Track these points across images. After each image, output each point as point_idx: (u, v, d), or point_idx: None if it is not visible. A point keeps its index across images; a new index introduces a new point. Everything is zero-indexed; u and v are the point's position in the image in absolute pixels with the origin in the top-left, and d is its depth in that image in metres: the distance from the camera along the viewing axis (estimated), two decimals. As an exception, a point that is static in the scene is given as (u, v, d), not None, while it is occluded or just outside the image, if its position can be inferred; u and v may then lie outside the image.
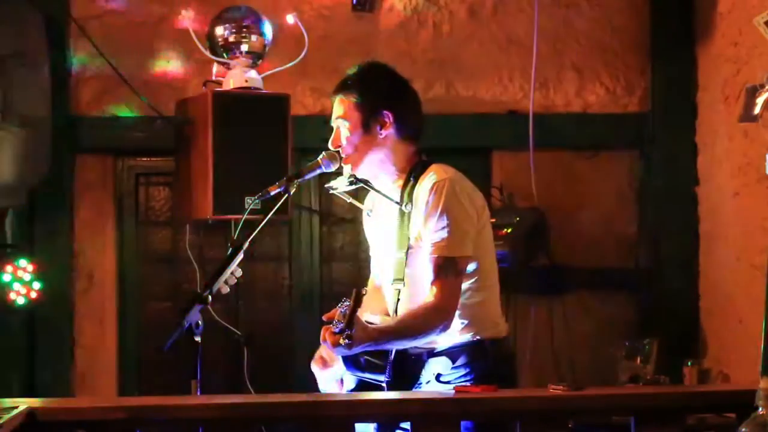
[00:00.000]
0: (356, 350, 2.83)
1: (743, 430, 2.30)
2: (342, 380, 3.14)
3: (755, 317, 3.25)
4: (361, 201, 3.25)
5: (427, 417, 2.67)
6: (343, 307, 2.75)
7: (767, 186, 3.88)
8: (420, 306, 2.94)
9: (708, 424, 3.56)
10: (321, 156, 3.08)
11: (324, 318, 2.86)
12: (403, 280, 2.99)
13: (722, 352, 4.38)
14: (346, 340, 2.69)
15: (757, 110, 2.54)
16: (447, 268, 2.91)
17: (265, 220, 3.01)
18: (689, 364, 4.34)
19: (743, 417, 2.38)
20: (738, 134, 4.16)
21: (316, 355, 3.17)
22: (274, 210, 3.03)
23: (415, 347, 3.00)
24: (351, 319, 2.69)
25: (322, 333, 2.81)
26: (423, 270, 2.96)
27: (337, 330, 2.73)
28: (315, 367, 3.16)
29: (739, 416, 2.59)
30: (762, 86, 2.54)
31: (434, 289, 2.91)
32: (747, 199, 4.14)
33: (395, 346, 2.94)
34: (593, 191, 4.77)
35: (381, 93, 3.07)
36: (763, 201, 3.97)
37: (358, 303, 2.71)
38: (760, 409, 2.31)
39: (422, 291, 2.95)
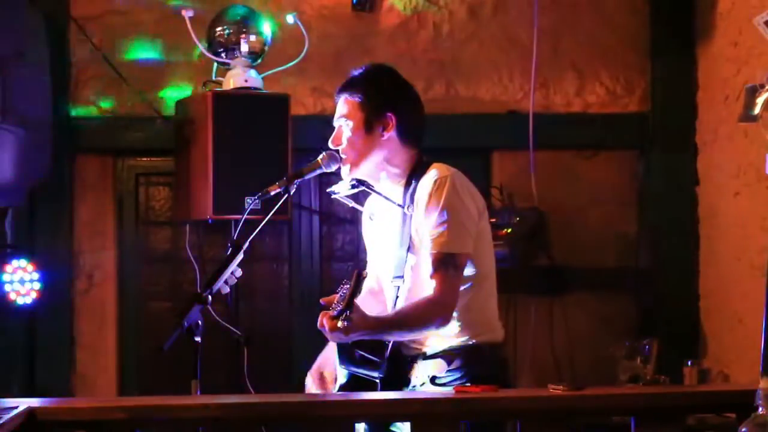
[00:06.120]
0: (353, 337, 2.80)
1: (743, 430, 2.30)
2: (322, 375, 3.14)
3: (755, 317, 3.24)
4: (362, 204, 3.25)
5: (427, 417, 2.66)
6: (342, 290, 2.73)
7: (767, 186, 3.88)
8: (419, 299, 2.93)
9: (708, 424, 3.56)
10: (321, 156, 3.07)
11: (322, 302, 2.85)
12: (403, 276, 2.99)
13: (722, 352, 4.38)
14: (345, 323, 2.66)
15: (757, 110, 2.54)
16: (446, 264, 2.90)
17: (265, 220, 3.01)
18: (689, 364, 4.33)
19: (743, 417, 2.38)
20: (738, 134, 4.16)
21: (315, 369, 3.17)
22: (274, 210, 3.03)
23: (410, 348, 3.00)
24: (350, 300, 2.66)
25: (320, 319, 2.78)
26: (423, 267, 2.96)
27: (335, 313, 2.69)
28: (309, 381, 3.15)
29: (739, 416, 2.59)
30: (762, 86, 2.53)
31: (434, 283, 2.90)
32: (747, 199, 4.14)
33: (392, 337, 2.93)
34: (593, 191, 4.77)
35: (385, 94, 3.06)
36: (763, 201, 3.96)
37: (358, 285, 2.68)
38: (760, 409, 2.31)
39: (422, 288, 2.95)
